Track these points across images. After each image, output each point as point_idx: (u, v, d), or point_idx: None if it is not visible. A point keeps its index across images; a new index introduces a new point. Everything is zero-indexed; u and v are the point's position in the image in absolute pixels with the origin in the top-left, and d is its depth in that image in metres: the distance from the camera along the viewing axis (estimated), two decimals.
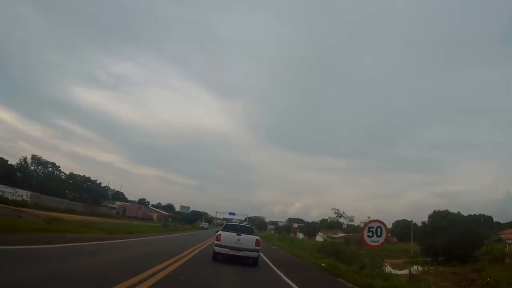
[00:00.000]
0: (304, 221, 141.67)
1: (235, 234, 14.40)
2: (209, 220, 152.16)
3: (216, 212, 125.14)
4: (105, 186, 67.34)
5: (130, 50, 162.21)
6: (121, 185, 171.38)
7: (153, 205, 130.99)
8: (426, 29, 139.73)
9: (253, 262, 14.38)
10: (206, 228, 78.62)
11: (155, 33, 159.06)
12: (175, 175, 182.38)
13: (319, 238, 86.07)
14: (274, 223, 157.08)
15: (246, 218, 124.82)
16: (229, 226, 16.18)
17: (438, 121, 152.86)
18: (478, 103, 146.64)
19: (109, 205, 71.92)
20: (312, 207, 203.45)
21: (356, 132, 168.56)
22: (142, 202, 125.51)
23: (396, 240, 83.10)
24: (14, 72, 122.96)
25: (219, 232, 14.82)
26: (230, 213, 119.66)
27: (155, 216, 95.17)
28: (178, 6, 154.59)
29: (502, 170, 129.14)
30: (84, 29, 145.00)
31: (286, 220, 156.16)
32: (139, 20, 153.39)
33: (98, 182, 65.50)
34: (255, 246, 14.19)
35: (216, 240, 14.42)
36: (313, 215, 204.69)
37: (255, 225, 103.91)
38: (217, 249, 14.20)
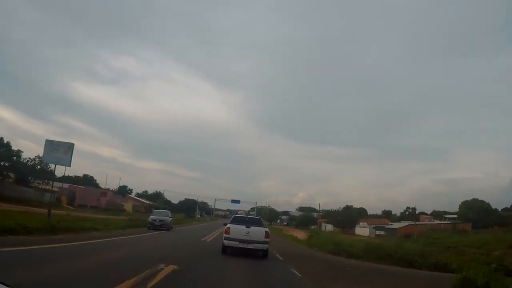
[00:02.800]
0: (317, 210, 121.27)
1: (244, 226, 14.28)
2: (208, 211, 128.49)
3: (215, 199, 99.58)
4: (18, 151, 41.66)
5: (129, 44, 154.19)
6: (120, 178, 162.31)
7: (138, 194, 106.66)
8: (427, 18, 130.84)
9: (262, 254, 14.29)
10: (165, 226, 28.28)
11: (155, 26, 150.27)
12: (177, 167, 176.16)
13: (361, 230, 60.11)
14: (285, 213, 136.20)
15: (254, 208, 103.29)
16: (237, 219, 15.87)
17: (440, 109, 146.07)
18: (480, 91, 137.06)
19: (40, 186, 46.43)
20: (316, 196, 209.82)
21: (358, 120, 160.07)
22: (123, 190, 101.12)
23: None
24: (13, 69, 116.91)
25: (228, 225, 14.52)
26: (233, 201, 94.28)
27: (129, 205, 69.79)
28: None
29: (504, 157, 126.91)
30: (83, 24, 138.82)
31: (296, 209, 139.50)
32: (138, 14, 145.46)
33: (6, 142, 39.87)
34: (265, 238, 14.09)
35: (225, 233, 14.25)
36: (318, 203, 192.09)
37: (262, 215, 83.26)
38: (226, 242, 14.06)
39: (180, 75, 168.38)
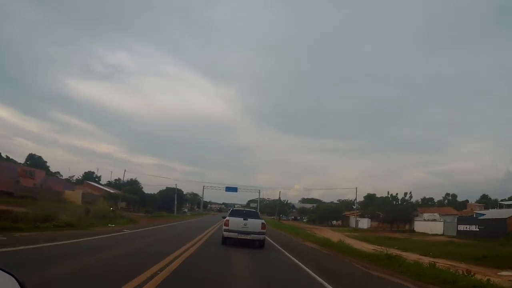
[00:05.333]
0: (322, 201, 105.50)
1: (242, 219, 15.12)
2: (199, 204, 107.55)
3: (204, 187, 77.92)
4: None
5: (124, 39, 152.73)
6: (111, 172, 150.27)
7: (109, 182, 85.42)
8: (422, 10, 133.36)
9: (259, 245, 15.16)
10: None
11: (149, 21, 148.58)
12: (173, 162, 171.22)
13: (427, 226, 38.61)
14: (289, 205, 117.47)
15: (255, 200, 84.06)
16: (235, 212, 17.03)
17: (436, 101, 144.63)
18: (477, 83, 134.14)
19: None
20: (312, 188, 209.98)
21: (354, 113, 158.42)
22: (89, 176, 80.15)
23: None
24: (7, 67, 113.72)
25: (227, 218, 15.38)
26: (229, 189, 72.44)
27: (77, 194, 48.12)
28: None
29: (501, 149, 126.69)
30: (77, 20, 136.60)
31: (299, 200, 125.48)
32: (132, 8, 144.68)
33: None
34: (261, 229, 15.00)
35: (224, 225, 15.12)
36: (314, 196, 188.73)
37: (262, 209, 66.80)
38: (226, 233, 14.90)
39: (175, 69, 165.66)
